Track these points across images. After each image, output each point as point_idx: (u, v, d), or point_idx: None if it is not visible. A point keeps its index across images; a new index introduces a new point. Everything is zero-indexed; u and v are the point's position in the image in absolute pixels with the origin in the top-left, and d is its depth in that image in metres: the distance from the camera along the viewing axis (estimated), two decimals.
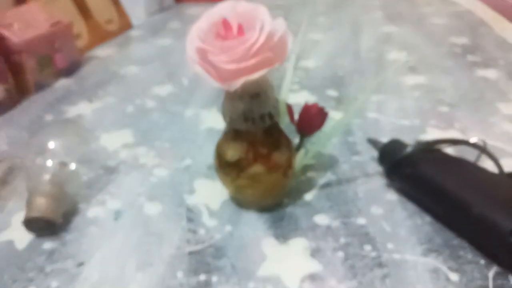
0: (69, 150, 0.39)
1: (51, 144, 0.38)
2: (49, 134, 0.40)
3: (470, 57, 0.71)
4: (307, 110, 0.38)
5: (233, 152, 0.34)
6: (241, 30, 0.30)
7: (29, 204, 0.35)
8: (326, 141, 0.42)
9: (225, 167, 0.35)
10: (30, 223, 0.35)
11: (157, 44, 0.85)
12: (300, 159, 0.40)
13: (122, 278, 0.31)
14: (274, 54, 0.29)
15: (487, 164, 0.36)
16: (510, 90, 0.58)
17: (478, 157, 0.36)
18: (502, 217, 0.30)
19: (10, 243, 0.35)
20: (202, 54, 0.30)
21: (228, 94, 0.33)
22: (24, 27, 0.60)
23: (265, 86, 0.33)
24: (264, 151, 0.34)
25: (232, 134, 0.35)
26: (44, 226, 0.35)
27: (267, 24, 0.29)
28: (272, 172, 0.35)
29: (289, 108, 0.40)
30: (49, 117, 0.56)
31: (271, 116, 0.33)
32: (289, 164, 0.36)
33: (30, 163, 0.38)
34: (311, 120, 0.38)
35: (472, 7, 1.04)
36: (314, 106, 0.38)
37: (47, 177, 0.36)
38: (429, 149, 0.37)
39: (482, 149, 0.35)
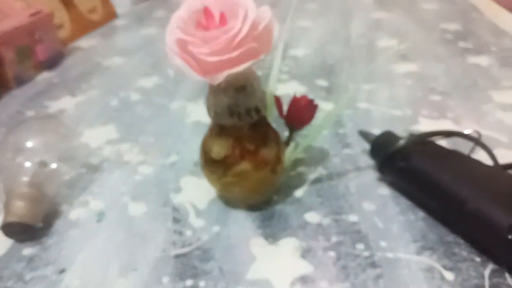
0: (49, 148, 0.38)
1: (30, 143, 0.37)
2: (28, 131, 0.38)
3: (462, 44, 0.70)
4: (296, 102, 0.37)
5: (218, 149, 0.33)
6: (223, 18, 0.29)
7: (6, 208, 0.33)
8: (316, 134, 0.41)
9: (211, 164, 0.34)
10: (8, 228, 0.33)
11: (142, 33, 0.83)
12: (289, 153, 0.39)
13: (104, 284, 0.30)
14: (259, 44, 0.28)
15: (481, 155, 0.35)
16: (503, 77, 0.57)
17: (472, 149, 0.35)
18: (499, 212, 0.29)
19: None
20: (182, 45, 0.28)
21: (212, 88, 0.32)
22: (1, 17, 0.57)
23: (251, 78, 0.31)
24: (252, 147, 0.33)
25: (218, 129, 0.33)
26: (23, 231, 0.33)
27: (251, 12, 0.27)
28: (260, 168, 0.33)
29: (278, 101, 0.38)
30: (29, 113, 0.53)
31: (257, 110, 0.32)
32: (278, 160, 0.34)
33: (7, 163, 0.37)
34: (301, 113, 0.37)
35: None
36: (304, 98, 0.37)
37: (25, 178, 0.34)
38: (422, 142, 0.36)
39: (476, 141, 0.34)
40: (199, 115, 0.51)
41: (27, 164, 0.35)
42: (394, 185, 0.37)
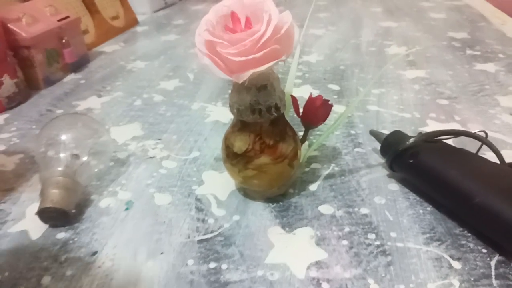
0: (81, 142, 0.40)
1: (63, 136, 0.39)
2: (61, 126, 0.41)
3: (469, 51, 0.72)
4: (311, 102, 0.39)
5: (240, 144, 0.35)
6: (248, 22, 0.31)
7: (42, 195, 0.36)
8: (329, 133, 0.43)
9: (233, 158, 0.36)
10: (44, 214, 0.35)
11: (162, 39, 0.86)
12: (304, 151, 0.41)
13: (134, 266, 0.32)
14: (281, 46, 0.30)
15: (488, 156, 0.37)
16: (510, 83, 0.59)
17: (479, 149, 0.37)
18: (505, 206, 0.30)
19: (24, 233, 0.36)
20: (211, 46, 0.31)
21: (235, 86, 0.34)
22: (32, 22, 0.61)
23: (271, 78, 0.33)
24: (271, 142, 0.35)
25: (239, 125, 0.35)
26: (58, 216, 0.36)
27: (274, 16, 0.30)
28: (278, 162, 0.35)
29: (294, 100, 0.41)
30: (59, 111, 0.57)
31: (277, 107, 0.34)
32: (294, 155, 0.36)
33: (42, 155, 0.39)
34: (316, 112, 0.39)
35: (471, 1, 1.04)
36: (319, 98, 0.39)
37: (60, 168, 0.37)
38: (431, 140, 0.38)
39: (484, 140, 0.36)
40: (218, 115, 0.54)
41: (62, 155, 0.38)
42: (403, 182, 0.39)
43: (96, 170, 0.42)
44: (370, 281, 0.30)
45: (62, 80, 0.66)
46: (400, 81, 0.62)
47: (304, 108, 0.40)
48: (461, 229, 0.34)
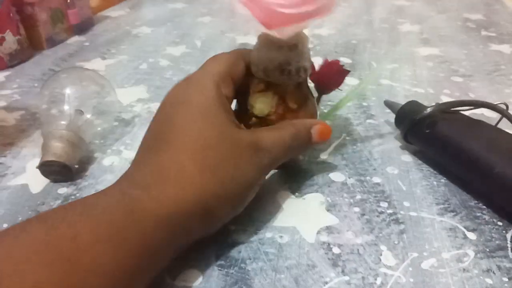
0: (85, 98, 0.39)
1: (68, 89, 0.38)
2: (65, 81, 0.39)
3: (484, 32, 0.70)
4: (328, 66, 0.37)
5: (262, 106, 0.32)
6: None
7: (44, 148, 0.34)
8: (341, 104, 0.41)
9: (250, 120, 0.33)
10: (46, 167, 0.34)
11: (170, 7, 0.84)
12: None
13: None
14: (328, 2, 0.27)
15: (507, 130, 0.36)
16: None
17: (499, 121, 0.36)
18: None
19: (24, 187, 0.35)
20: None
21: (263, 43, 0.31)
22: None
23: (303, 37, 0.31)
24: (294, 106, 0.32)
25: (262, 87, 0.32)
26: (60, 171, 0.34)
27: None
28: None
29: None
30: None
31: (305, 69, 0.31)
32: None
33: (45, 112, 0.38)
34: (331, 76, 0.37)
35: None
36: (335, 63, 0.37)
37: (63, 122, 0.36)
38: (449, 111, 0.37)
39: (504, 112, 0.35)
40: None
41: (66, 107, 0.37)
42: (417, 153, 0.38)
43: (99, 129, 0.40)
44: (383, 247, 0.29)
45: (65, 42, 0.64)
46: (414, 57, 0.60)
47: (319, 72, 0.38)
48: (476, 201, 0.33)
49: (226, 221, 0.28)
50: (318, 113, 0.40)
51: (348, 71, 0.38)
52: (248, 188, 0.28)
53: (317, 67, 0.37)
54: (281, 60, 0.30)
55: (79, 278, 0.19)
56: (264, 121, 0.32)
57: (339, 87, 0.38)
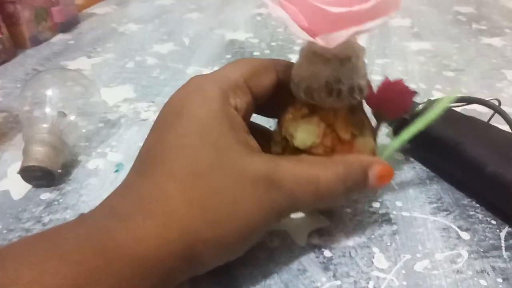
0: (69, 99, 0.38)
1: (50, 91, 0.37)
2: (47, 82, 0.38)
3: (475, 25, 0.70)
4: (389, 86, 0.30)
5: (305, 136, 0.25)
6: None
7: (26, 152, 0.33)
8: (411, 133, 0.30)
9: (290, 153, 0.26)
10: (27, 173, 0.33)
11: (156, 3, 0.83)
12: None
13: None
14: None
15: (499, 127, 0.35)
16: None
17: (491, 117, 0.35)
18: None
19: (5, 193, 0.33)
20: None
21: (306, 56, 0.25)
22: None
23: (357, 48, 0.24)
24: (347, 137, 0.25)
25: (305, 111, 0.26)
26: (42, 176, 0.33)
27: None
28: None
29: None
30: None
31: (361, 90, 0.25)
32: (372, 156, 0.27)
33: (27, 114, 0.37)
34: (394, 99, 0.30)
35: None
36: (398, 82, 0.30)
37: (45, 125, 0.35)
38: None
39: (497, 108, 0.34)
40: None
41: (48, 110, 0.35)
42: (408, 152, 0.38)
43: (84, 130, 0.39)
44: (375, 249, 0.28)
45: (50, 40, 0.63)
46: (405, 52, 0.59)
47: (379, 93, 0.30)
48: (469, 200, 0.32)
49: (220, 264, 0.23)
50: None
51: (415, 92, 0.31)
52: (250, 232, 0.22)
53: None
54: (329, 77, 0.24)
55: None
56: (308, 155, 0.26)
57: (404, 113, 0.32)
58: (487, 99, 0.35)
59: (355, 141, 0.26)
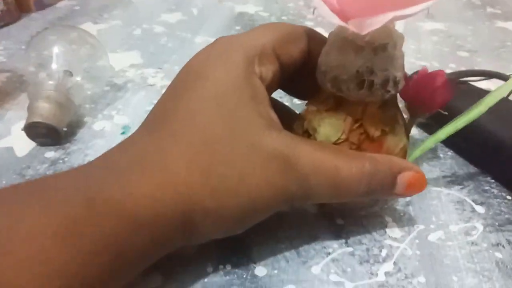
0: (74, 59, 0.36)
1: (56, 48, 0.35)
2: (52, 39, 0.37)
3: (489, 9, 0.69)
4: (426, 78, 0.27)
5: (329, 130, 0.23)
6: None
7: (31, 109, 0.32)
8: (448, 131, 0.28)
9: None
10: (32, 129, 0.32)
11: None
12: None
13: None
14: None
15: None
16: None
17: (509, 93, 0.34)
18: None
19: (9, 149, 0.32)
20: None
21: (335, 43, 0.22)
22: None
23: (395, 35, 0.22)
24: (376, 134, 0.23)
25: (331, 103, 0.23)
26: (47, 133, 0.32)
27: None
28: None
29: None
30: None
31: (396, 82, 0.22)
32: (403, 155, 0.25)
33: (32, 75, 0.36)
34: (433, 93, 0.27)
35: None
36: (439, 74, 0.27)
37: (51, 82, 0.34)
38: (457, 81, 0.35)
39: None
40: None
41: (54, 67, 0.34)
42: (421, 126, 0.37)
43: (89, 92, 0.38)
44: (388, 219, 0.27)
45: (54, 5, 0.61)
46: (418, 32, 0.58)
47: (414, 85, 0.28)
48: (484, 175, 0.32)
49: (215, 238, 0.22)
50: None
51: (457, 85, 0.29)
52: (253, 211, 0.20)
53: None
54: (360, 67, 0.21)
55: (9, 277, 0.15)
56: None
57: (442, 109, 0.28)
58: (509, 73, 0.34)
59: (385, 139, 0.23)
